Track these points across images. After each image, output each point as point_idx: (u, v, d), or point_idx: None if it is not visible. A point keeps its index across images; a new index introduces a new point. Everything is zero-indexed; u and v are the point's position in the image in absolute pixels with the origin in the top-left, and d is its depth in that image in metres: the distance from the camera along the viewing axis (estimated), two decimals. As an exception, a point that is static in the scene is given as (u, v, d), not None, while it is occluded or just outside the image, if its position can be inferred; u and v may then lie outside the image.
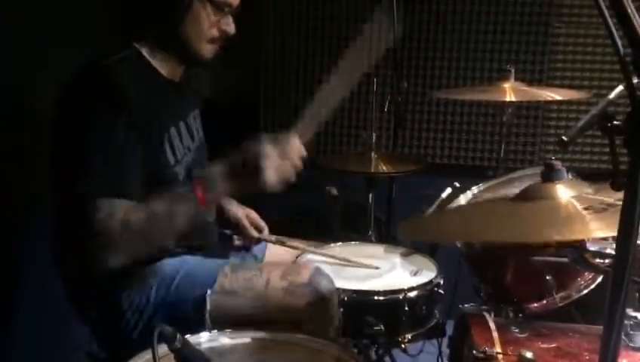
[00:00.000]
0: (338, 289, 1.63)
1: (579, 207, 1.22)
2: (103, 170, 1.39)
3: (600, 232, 1.15)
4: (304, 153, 1.47)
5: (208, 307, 1.48)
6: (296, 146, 1.44)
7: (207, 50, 1.59)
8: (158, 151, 1.52)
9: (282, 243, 1.92)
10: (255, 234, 1.90)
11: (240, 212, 1.93)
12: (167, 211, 1.40)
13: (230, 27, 1.58)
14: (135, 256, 1.43)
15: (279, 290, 1.51)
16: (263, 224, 1.93)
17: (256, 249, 1.93)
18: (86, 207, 1.36)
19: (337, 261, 1.86)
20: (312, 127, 1.56)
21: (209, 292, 1.50)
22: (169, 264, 1.59)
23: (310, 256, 1.88)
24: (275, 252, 1.93)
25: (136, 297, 1.54)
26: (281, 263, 1.62)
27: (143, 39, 1.57)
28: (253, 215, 1.94)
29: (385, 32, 1.75)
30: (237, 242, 1.92)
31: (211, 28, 1.56)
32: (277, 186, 1.40)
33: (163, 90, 1.58)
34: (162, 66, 1.59)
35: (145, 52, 1.56)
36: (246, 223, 1.91)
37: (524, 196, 1.35)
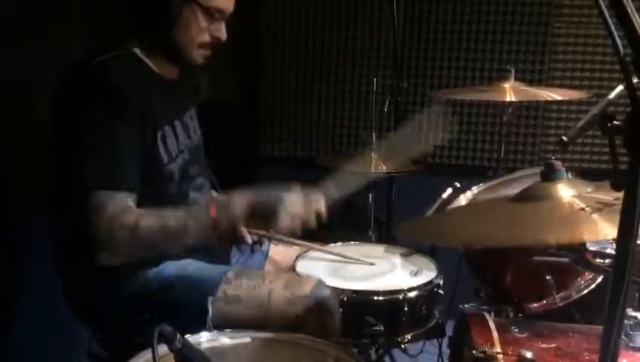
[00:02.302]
0: (338, 289, 1.63)
1: (580, 206, 1.22)
2: (101, 164, 1.41)
3: (604, 233, 1.15)
4: (323, 213, 1.54)
5: (210, 313, 1.48)
6: (318, 204, 1.50)
7: (198, 54, 1.60)
8: (151, 149, 1.53)
9: (283, 241, 1.93)
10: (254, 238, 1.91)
11: None
12: (179, 226, 1.43)
13: (221, 33, 1.59)
14: (134, 258, 1.46)
15: (282, 301, 1.52)
16: None
17: (256, 257, 1.92)
18: (86, 200, 1.38)
19: (334, 257, 1.86)
20: (337, 194, 1.62)
21: (211, 298, 1.51)
22: (173, 267, 1.59)
23: (311, 253, 1.88)
24: (275, 258, 1.92)
25: (138, 298, 1.54)
26: (284, 273, 1.62)
27: (136, 40, 1.58)
28: None
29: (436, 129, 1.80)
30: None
31: (201, 33, 1.57)
32: (285, 232, 1.46)
33: (157, 88, 1.59)
34: (156, 65, 1.60)
35: (138, 52, 1.58)
36: None
37: (525, 196, 1.35)
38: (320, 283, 1.58)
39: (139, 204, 1.48)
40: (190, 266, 1.61)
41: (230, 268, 1.62)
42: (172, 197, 1.60)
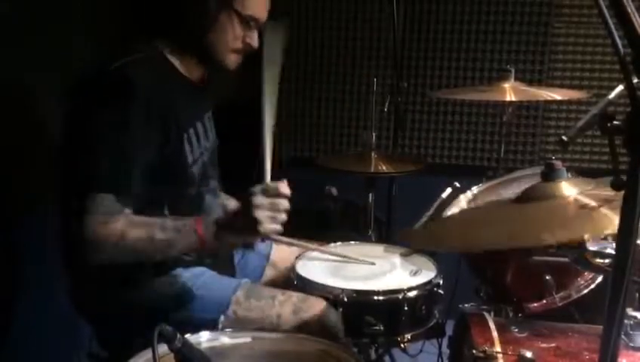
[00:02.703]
0: (338, 288, 1.63)
1: (585, 201, 1.22)
2: (109, 167, 1.40)
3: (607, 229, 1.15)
4: (287, 192, 1.49)
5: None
6: (283, 191, 1.47)
7: (231, 60, 1.60)
8: (178, 151, 1.54)
9: (283, 242, 1.92)
10: None
11: None
12: (166, 240, 1.43)
13: (254, 41, 1.59)
14: (120, 263, 1.46)
15: (290, 325, 1.54)
16: None
17: (257, 257, 1.92)
18: (85, 199, 1.38)
19: (335, 257, 1.86)
20: (268, 148, 1.55)
21: (222, 318, 1.54)
22: (183, 277, 1.60)
23: (311, 253, 1.88)
24: (276, 258, 1.92)
25: (145, 305, 1.55)
26: (293, 293, 1.63)
27: (166, 40, 1.57)
28: None
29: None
30: None
31: (236, 40, 1.57)
32: (274, 232, 1.45)
33: (182, 91, 1.59)
34: (183, 67, 1.60)
35: (167, 52, 1.57)
36: None
37: (526, 197, 1.35)
38: (328, 307, 1.59)
39: (158, 204, 1.50)
40: (203, 276, 1.62)
41: (240, 284, 1.62)
42: (191, 200, 1.61)
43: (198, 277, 1.61)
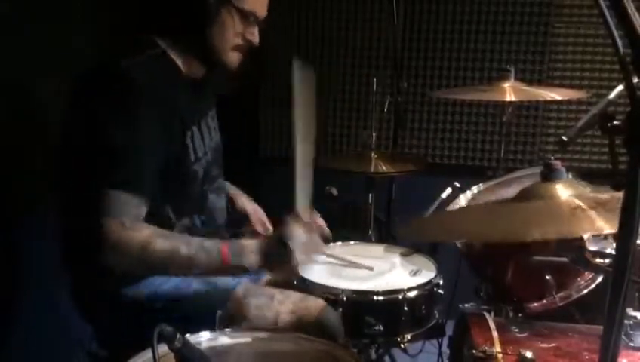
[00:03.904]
0: (338, 288, 1.63)
1: (577, 203, 1.22)
2: (122, 165, 1.40)
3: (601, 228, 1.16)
4: (326, 230, 1.59)
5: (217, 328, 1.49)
6: (318, 224, 1.52)
7: (232, 57, 1.60)
8: (182, 149, 1.54)
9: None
10: (260, 230, 1.91)
11: (249, 206, 1.94)
12: (189, 256, 1.42)
13: (255, 37, 1.59)
14: (135, 272, 1.48)
15: (288, 325, 1.53)
16: (268, 224, 1.94)
17: None
18: (100, 198, 1.37)
19: (335, 261, 1.86)
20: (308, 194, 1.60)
21: (219, 313, 1.53)
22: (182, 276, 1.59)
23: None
24: None
25: (144, 303, 1.55)
26: (291, 292, 1.63)
27: (167, 38, 1.57)
28: (261, 213, 1.96)
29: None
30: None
31: (237, 36, 1.57)
32: (307, 263, 1.49)
33: (185, 90, 1.59)
34: (185, 65, 1.60)
35: (169, 51, 1.57)
36: (253, 218, 1.93)
37: (523, 196, 1.35)
38: (326, 307, 1.59)
39: (161, 203, 1.50)
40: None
41: (239, 282, 1.62)
42: (194, 198, 1.61)
43: (198, 276, 1.61)
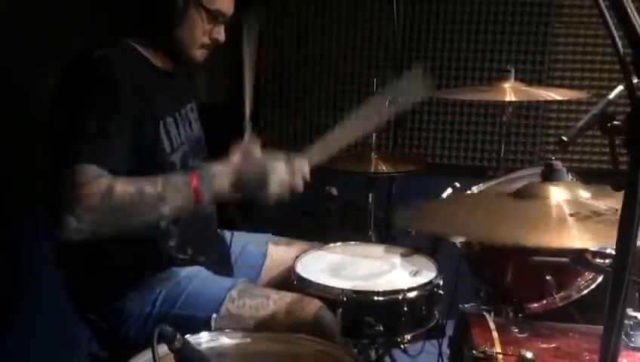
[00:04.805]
0: (338, 288, 1.63)
1: (567, 212, 1.22)
2: (90, 142, 1.38)
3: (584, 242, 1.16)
4: (307, 178, 1.53)
5: (213, 329, 1.48)
6: (304, 170, 1.49)
7: (199, 54, 1.63)
8: (154, 138, 1.54)
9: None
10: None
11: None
12: (156, 193, 1.39)
13: (221, 36, 1.62)
14: (106, 226, 1.37)
15: (283, 326, 1.52)
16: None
17: (255, 256, 1.93)
18: (67, 175, 1.34)
19: (334, 258, 1.86)
20: (324, 155, 1.60)
21: (214, 316, 1.52)
22: (178, 275, 1.60)
23: (310, 253, 1.88)
24: (275, 258, 1.91)
25: (140, 305, 1.55)
26: (287, 293, 1.62)
27: (137, 36, 1.59)
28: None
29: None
30: None
31: (204, 35, 1.59)
32: (272, 201, 1.45)
33: (156, 80, 1.60)
34: (155, 59, 1.62)
35: (137, 46, 1.59)
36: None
37: (522, 194, 1.35)
38: (322, 308, 1.58)
39: None
40: (197, 276, 1.62)
41: (235, 283, 1.61)
42: None
43: (194, 277, 1.61)
